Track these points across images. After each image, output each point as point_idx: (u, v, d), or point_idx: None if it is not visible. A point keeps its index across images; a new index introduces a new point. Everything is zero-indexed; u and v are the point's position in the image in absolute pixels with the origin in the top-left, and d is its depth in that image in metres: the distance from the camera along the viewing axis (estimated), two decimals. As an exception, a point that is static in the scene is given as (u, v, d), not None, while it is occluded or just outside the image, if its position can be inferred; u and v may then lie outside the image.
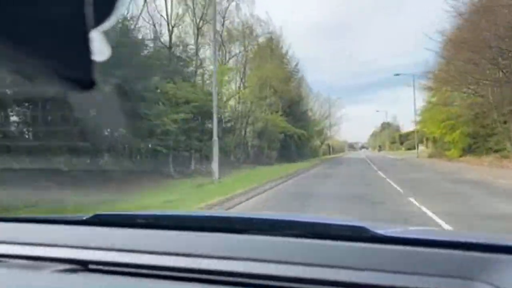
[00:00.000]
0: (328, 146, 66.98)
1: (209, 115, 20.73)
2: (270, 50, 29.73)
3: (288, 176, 16.95)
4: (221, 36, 22.45)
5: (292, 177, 17.07)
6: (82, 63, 0.38)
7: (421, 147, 47.10)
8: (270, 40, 29.83)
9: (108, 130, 11.78)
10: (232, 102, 24.80)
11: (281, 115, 29.12)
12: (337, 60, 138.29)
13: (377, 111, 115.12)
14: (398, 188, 11.88)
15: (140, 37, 15.50)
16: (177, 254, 1.04)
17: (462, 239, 1.03)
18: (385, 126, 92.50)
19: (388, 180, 14.80)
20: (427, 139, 51.03)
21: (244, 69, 24.64)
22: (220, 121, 22.48)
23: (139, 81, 12.25)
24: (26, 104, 11.64)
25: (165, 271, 0.99)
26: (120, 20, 12.55)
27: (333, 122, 60.73)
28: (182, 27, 19.49)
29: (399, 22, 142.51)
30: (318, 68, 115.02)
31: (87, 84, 0.40)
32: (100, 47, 0.40)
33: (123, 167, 12.71)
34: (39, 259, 1.10)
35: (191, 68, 18.52)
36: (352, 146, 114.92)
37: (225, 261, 0.99)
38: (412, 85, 38.07)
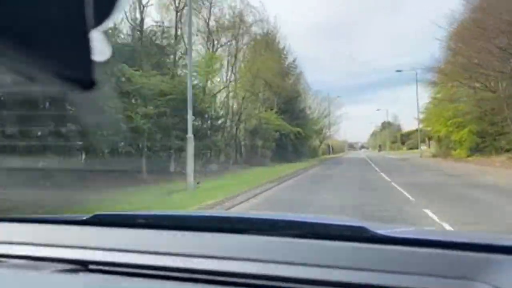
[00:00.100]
0: (328, 145, 65.27)
1: (198, 112, 18.87)
2: (266, 43, 27.72)
3: (281, 179, 14.92)
4: (207, 23, 20.34)
5: (286, 180, 15.06)
6: (82, 63, 0.38)
7: (423, 147, 45.31)
8: (265, 32, 27.79)
9: (53, 125, 9.72)
10: (223, 97, 22.80)
11: (276, 112, 27.10)
12: (337, 60, 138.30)
13: (378, 109, 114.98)
14: (407, 195, 9.93)
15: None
16: (177, 254, 1.04)
17: (461, 239, 1.05)
18: (386, 125, 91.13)
19: (393, 184, 12.82)
20: (429, 139, 49.60)
21: (235, 60, 22.47)
22: (208, 117, 20.56)
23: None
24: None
25: (165, 271, 0.98)
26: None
27: (333, 121, 58.52)
28: (160, 9, 17.41)
29: (399, 22, 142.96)
30: (318, 68, 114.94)
31: (87, 84, 0.39)
32: (100, 47, 0.40)
33: (80, 169, 10.76)
34: (39, 259, 1.10)
35: (171, 57, 16.33)
36: (352, 146, 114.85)
37: (225, 261, 0.99)
38: (413, 83, 36.39)
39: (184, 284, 0.94)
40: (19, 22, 0.34)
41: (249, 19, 23.48)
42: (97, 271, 1.02)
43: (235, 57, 22.34)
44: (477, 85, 26.82)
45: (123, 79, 11.93)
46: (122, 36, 14.37)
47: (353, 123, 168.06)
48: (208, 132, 19.70)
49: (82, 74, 0.39)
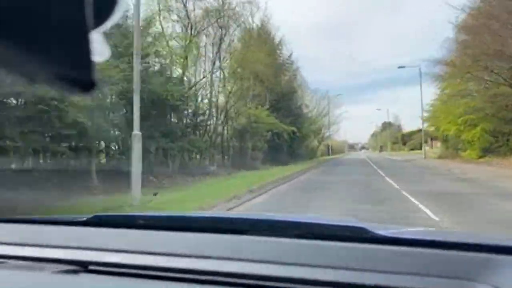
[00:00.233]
0: (327, 146, 62.61)
1: (172, 108, 16.26)
2: (256, 32, 25.12)
3: (264, 187, 12.29)
4: (185, 8, 17.72)
5: (271, 188, 12.45)
6: (82, 64, 0.38)
7: (426, 148, 42.80)
8: (254, 21, 25.22)
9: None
10: (207, 92, 20.21)
11: (268, 109, 24.46)
12: (337, 60, 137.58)
13: (378, 109, 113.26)
14: (427, 211, 7.40)
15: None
16: (177, 255, 1.03)
17: (462, 239, 1.05)
18: (386, 125, 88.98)
19: (404, 193, 10.25)
20: (431, 139, 47.21)
21: (219, 49, 19.83)
22: (187, 114, 17.97)
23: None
24: None
25: (165, 272, 0.98)
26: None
27: (332, 120, 55.76)
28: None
29: (399, 22, 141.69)
30: (318, 68, 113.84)
31: (87, 85, 0.39)
32: (100, 48, 0.40)
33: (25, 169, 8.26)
34: (39, 260, 1.09)
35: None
36: (352, 147, 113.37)
37: (224, 262, 0.99)
38: (414, 83, 33.93)
39: (185, 285, 0.93)
40: (18, 22, 0.34)
41: (237, 6, 20.82)
42: (97, 271, 1.02)
43: (219, 47, 19.68)
44: (490, 78, 24.30)
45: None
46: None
47: (353, 124, 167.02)
48: (187, 130, 17.11)
49: (82, 75, 0.38)
